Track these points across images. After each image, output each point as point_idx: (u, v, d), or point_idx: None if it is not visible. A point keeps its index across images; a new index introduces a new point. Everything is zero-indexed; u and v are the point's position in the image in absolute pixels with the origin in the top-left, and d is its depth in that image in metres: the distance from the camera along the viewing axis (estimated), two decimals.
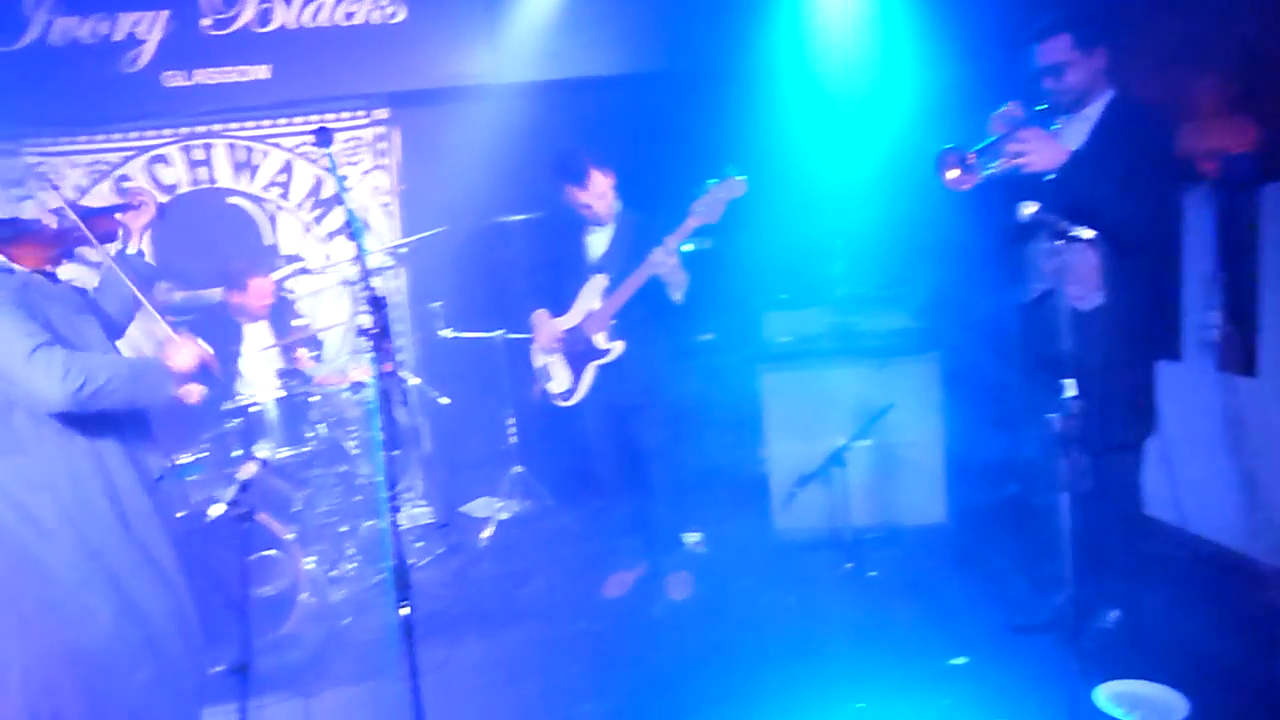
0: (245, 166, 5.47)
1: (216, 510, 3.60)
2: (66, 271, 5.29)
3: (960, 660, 3.37)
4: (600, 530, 4.64)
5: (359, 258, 2.23)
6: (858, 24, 4.96)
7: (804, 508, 4.50)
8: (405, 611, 2.11)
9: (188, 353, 2.63)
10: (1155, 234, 3.06)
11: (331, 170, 2.30)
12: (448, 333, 5.05)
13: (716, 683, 3.39)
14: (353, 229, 2.17)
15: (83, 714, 2.48)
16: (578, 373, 4.03)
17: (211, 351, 2.73)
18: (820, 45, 5.02)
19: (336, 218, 5.57)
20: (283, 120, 5.44)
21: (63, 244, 2.67)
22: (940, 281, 4.53)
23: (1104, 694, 2.96)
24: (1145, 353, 3.21)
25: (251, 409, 4.18)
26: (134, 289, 2.76)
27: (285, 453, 4.23)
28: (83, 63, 5.06)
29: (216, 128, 5.40)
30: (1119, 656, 3.13)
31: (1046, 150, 2.95)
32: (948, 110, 3.68)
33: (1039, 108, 3.08)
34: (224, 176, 5.46)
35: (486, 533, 4.94)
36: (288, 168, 5.50)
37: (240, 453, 4.10)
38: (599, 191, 3.87)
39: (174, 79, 5.14)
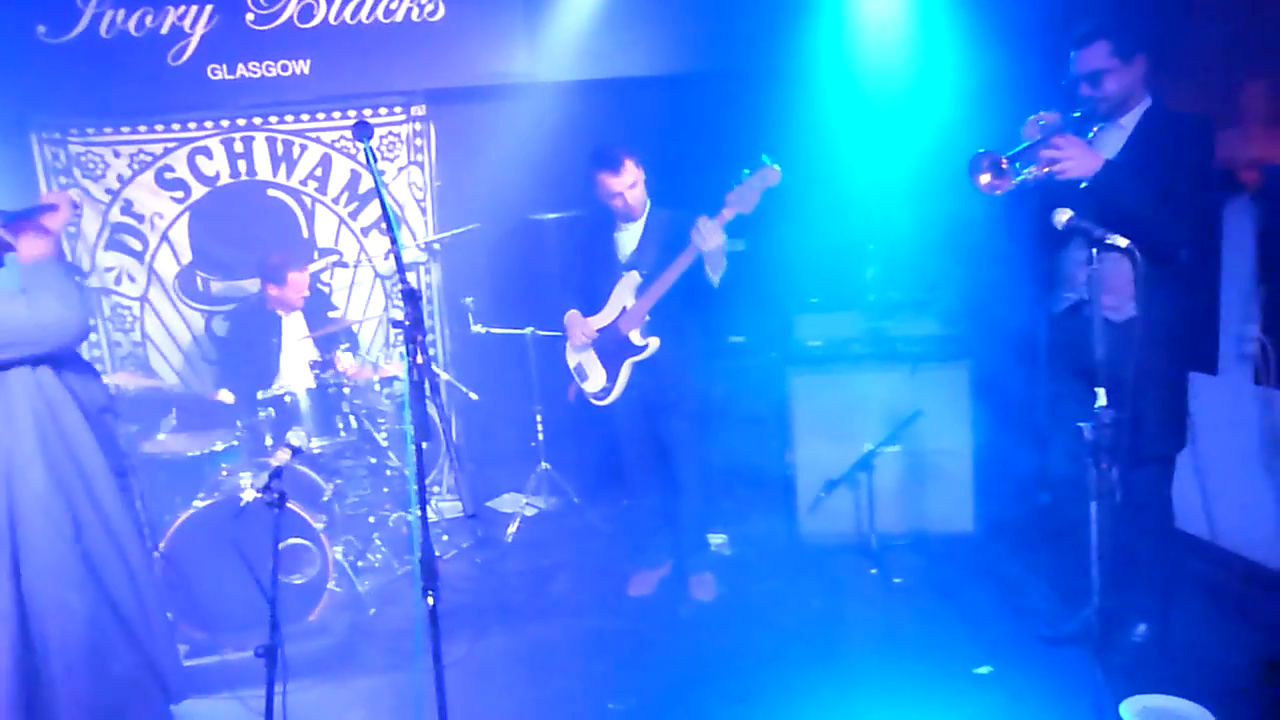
0: (284, 160, 5.54)
1: (249, 496, 3.66)
2: (109, 259, 5.41)
3: (985, 669, 3.36)
4: (626, 529, 4.66)
5: (394, 251, 2.25)
6: (896, 26, 4.93)
7: (830, 512, 4.50)
8: (431, 602, 2.13)
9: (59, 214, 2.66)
10: (1192, 245, 3.02)
11: (370, 164, 2.31)
12: (479, 328, 5.09)
13: (739, 683, 3.40)
14: (388, 223, 2.18)
15: (62, 703, 2.53)
16: (613, 371, 4.04)
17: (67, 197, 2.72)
18: (858, 47, 5.00)
19: (372, 212, 5.64)
20: (321, 115, 5.51)
21: None
22: (973, 288, 4.50)
23: (1131, 708, 2.93)
24: (1180, 365, 3.18)
25: (285, 399, 4.25)
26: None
27: (317, 443, 4.29)
28: (130, 55, 5.15)
29: (257, 121, 5.48)
30: (1147, 671, 3.11)
31: (1082, 157, 2.92)
32: (983, 114, 3.66)
33: (1075, 114, 3.05)
34: (263, 169, 5.53)
35: (512, 528, 4.98)
36: (325, 161, 5.56)
37: (272, 441, 4.17)
38: (630, 180, 3.88)
39: (217, 72, 5.22)
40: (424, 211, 5.66)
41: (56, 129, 5.36)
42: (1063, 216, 2.69)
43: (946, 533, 4.44)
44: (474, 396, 5.08)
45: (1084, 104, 3.07)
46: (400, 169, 5.61)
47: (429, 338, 5.33)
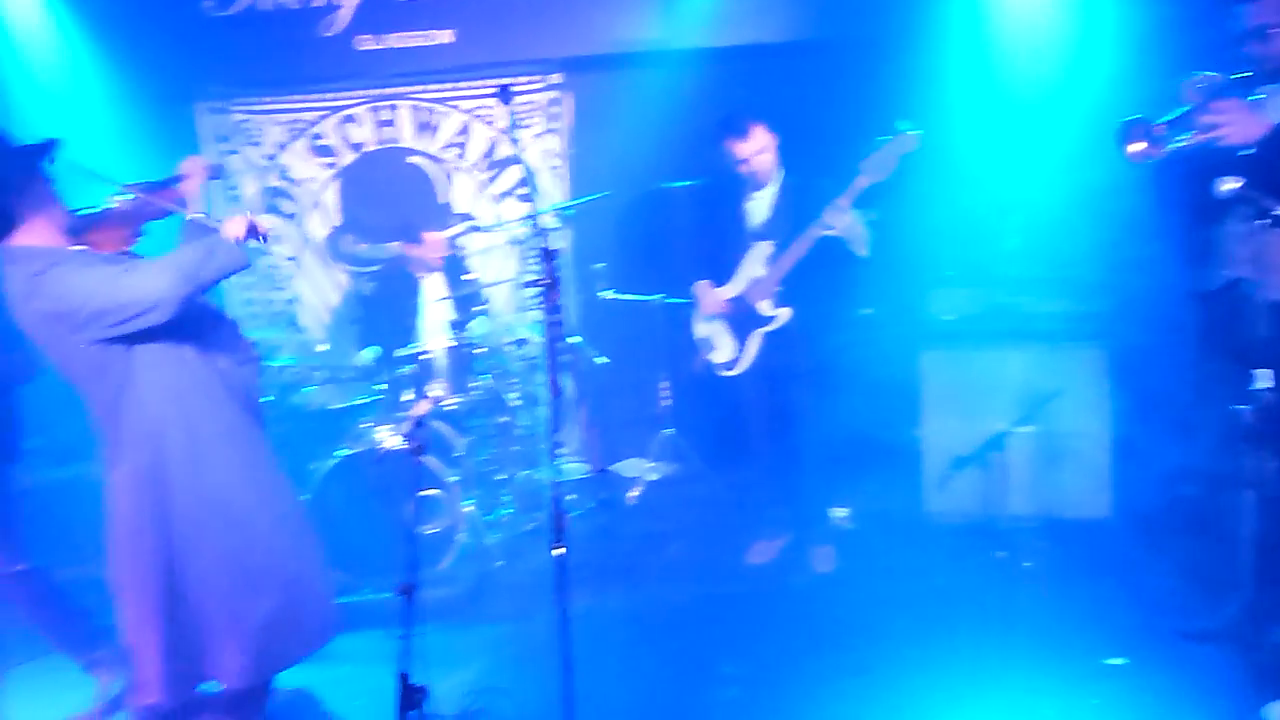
0: (427, 128, 5.73)
1: (392, 442, 3.86)
2: (265, 222, 5.73)
3: (1117, 661, 3.23)
4: (747, 498, 4.68)
5: (532, 211, 2.31)
6: None
7: (958, 491, 4.39)
8: (560, 552, 2.21)
9: (239, 220, 2.77)
10: None
11: (512, 128, 2.38)
12: (609, 294, 5.16)
13: (855, 656, 3.38)
14: (529, 184, 2.24)
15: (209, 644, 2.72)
16: (742, 341, 4.05)
17: (253, 217, 2.84)
18: (998, 9, 4.79)
19: (508, 179, 5.78)
20: (463, 83, 5.67)
21: (133, 223, 2.82)
22: (1118, 264, 4.29)
23: (1277, 711, 2.78)
24: None
25: (423, 356, 4.43)
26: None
27: (451, 400, 4.46)
28: (286, 26, 5.43)
29: (402, 89, 5.68)
30: None
31: (1246, 122, 2.70)
32: (1135, 77, 3.46)
33: (1239, 75, 2.84)
34: (407, 136, 5.74)
35: (634, 492, 5.06)
36: (465, 129, 5.73)
37: (411, 396, 4.36)
38: (759, 146, 3.86)
39: (366, 42, 5.44)
40: (558, 179, 5.77)
41: (219, 98, 5.69)
42: (1228, 185, 2.52)
43: (1080, 519, 4.28)
44: (602, 361, 5.17)
45: (1249, 64, 2.86)
46: (536, 136, 5.72)
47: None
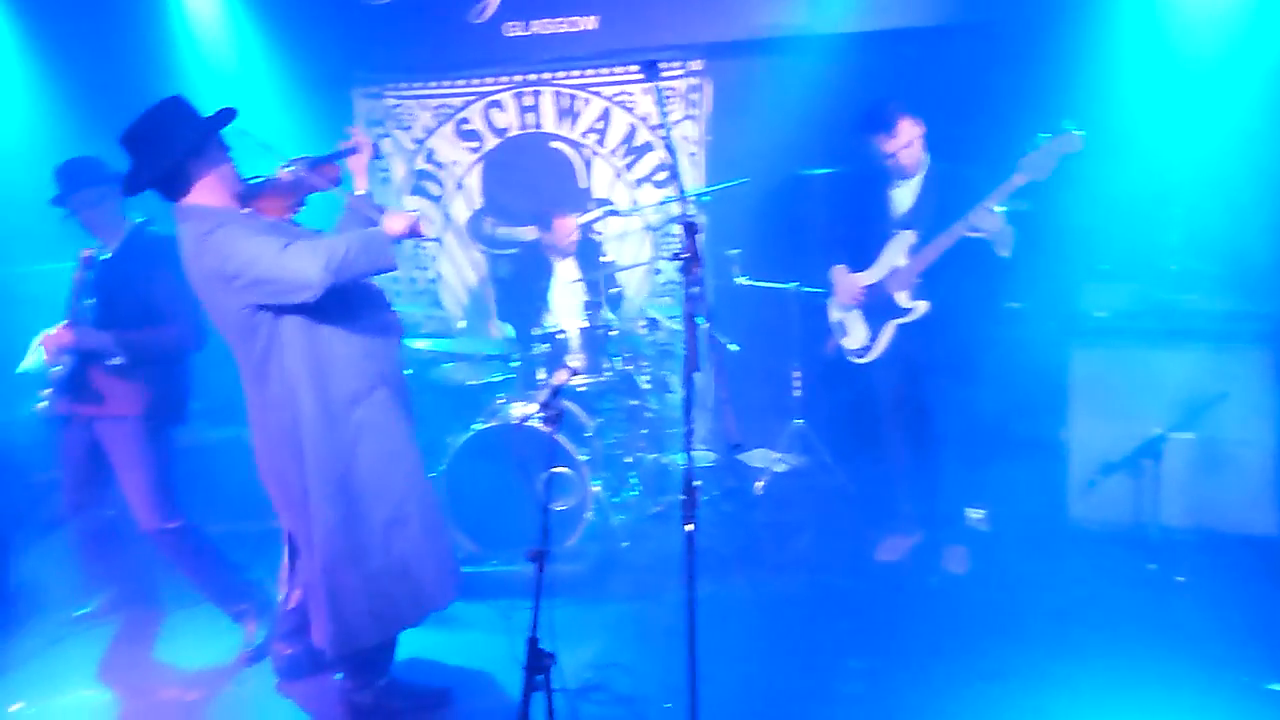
0: (568, 113, 5.82)
1: (530, 408, 3.94)
2: (412, 203, 5.93)
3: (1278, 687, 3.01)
4: (877, 492, 4.57)
5: (677, 187, 2.30)
6: None
7: (1106, 497, 4.18)
8: (690, 529, 2.20)
9: (402, 218, 2.84)
10: None
11: (659, 103, 2.38)
12: (743, 280, 5.12)
13: (987, 662, 3.26)
14: (673, 159, 2.24)
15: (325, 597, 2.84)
16: (875, 330, 3.96)
17: (420, 214, 2.92)
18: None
19: (646, 165, 5.80)
20: (605, 70, 5.73)
21: (297, 193, 2.95)
22: None
23: None
24: None
25: (558, 336, 4.51)
26: (377, 219, 2.96)
27: (583, 380, 4.52)
28: (437, 14, 5.61)
29: (545, 76, 5.78)
30: None
31: None
32: None
33: None
34: (549, 122, 5.85)
35: (761, 482, 5.01)
36: (605, 115, 5.78)
37: (544, 375, 4.44)
38: (906, 140, 3.74)
39: (513, 29, 5.55)
40: (695, 165, 5.76)
41: (374, 84, 5.93)
42: None
43: (1242, 533, 4.00)
44: (733, 348, 5.14)
45: None
46: (674, 122, 5.72)
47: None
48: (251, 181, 2.87)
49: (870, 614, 3.69)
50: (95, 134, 3.44)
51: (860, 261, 3.99)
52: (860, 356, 4.02)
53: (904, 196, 3.89)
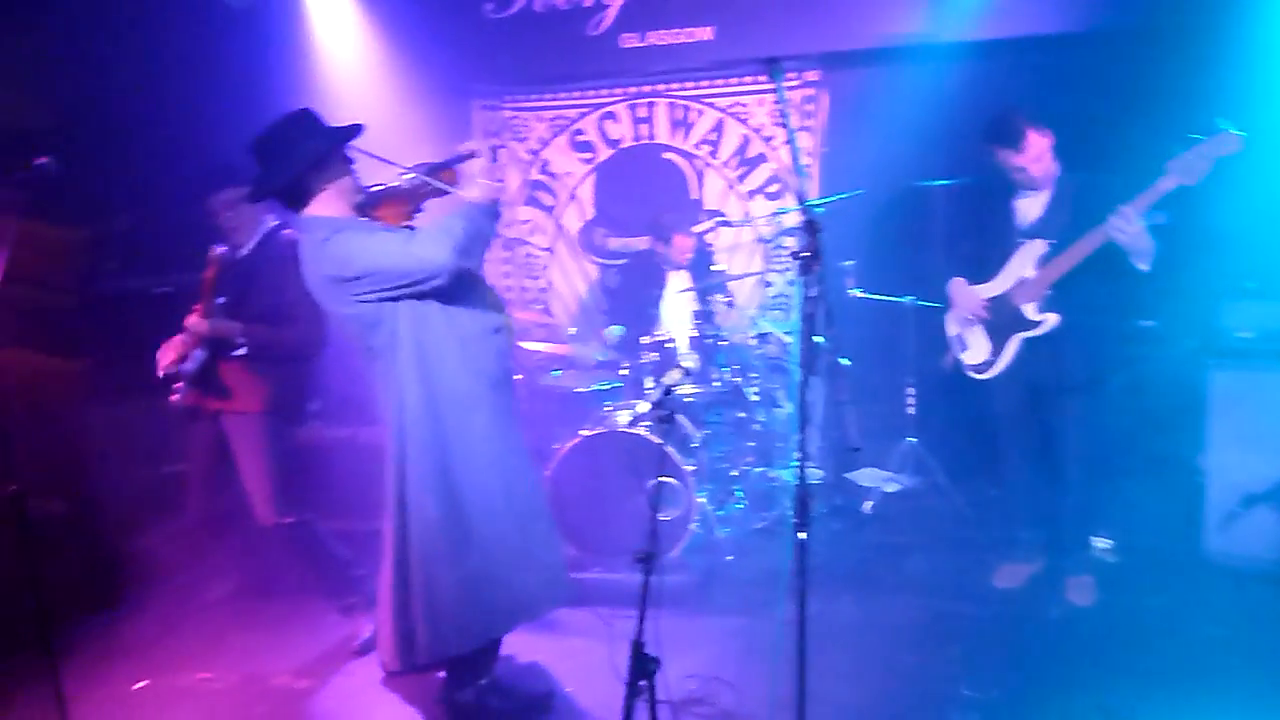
0: (681, 124, 5.82)
1: (642, 407, 3.91)
2: (525, 213, 5.96)
3: None
4: (995, 517, 4.38)
5: (795, 178, 2.24)
6: None
7: (1248, 532, 3.90)
8: (803, 536, 2.13)
9: (479, 185, 2.84)
10: None
11: (781, 103, 2.33)
12: (857, 292, 5.01)
13: (1111, 699, 3.05)
14: (794, 161, 2.18)
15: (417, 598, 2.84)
16: (999, 344, 3.79)
17: (499, 183, 2.92)
18: None
19: (758, 177, 5.75)
20: (719, 81, 5.70)
21: (415, 200, 2.99)
22: None
23: None
24: None
25: (666, 344, 4.48)
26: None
27: (691, 389, 4.47)
28: (556, 26, 5.68)
29: (660, 87, 5.79)
30: None
31: None
32: None
33: None
34: (662, 133, 5.86)
35: (870, 502, 4.87)
36: (719, 127, 5.76)
37: (652, 384, 4.41)
38: (1035, 154, 3.58)
39: (629, 40, 5.59)
40: (809, 178, 5.68)
41: (493, 96, 6.05)
42: None
43: None
44: (845, 363, 5.02)
45: None
46: (795, 130, 5.65)
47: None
48: (371, 190, 2.94)
49: (986, 643, 3.52)
50: (231, 140, 3.58)
51: (981, 275, 3.83)
52: (981, 372, 3.86)
53: (1032, 207, 3.72)
